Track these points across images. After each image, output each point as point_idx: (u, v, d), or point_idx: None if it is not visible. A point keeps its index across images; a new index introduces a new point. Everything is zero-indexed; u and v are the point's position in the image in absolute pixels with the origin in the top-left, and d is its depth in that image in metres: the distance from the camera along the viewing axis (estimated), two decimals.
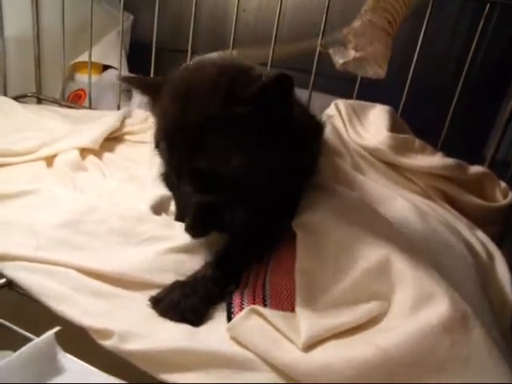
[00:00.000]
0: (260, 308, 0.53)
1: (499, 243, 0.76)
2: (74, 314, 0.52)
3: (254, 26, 1.50)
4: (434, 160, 0.87)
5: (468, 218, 0.81)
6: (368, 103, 1.00)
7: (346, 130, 0.95)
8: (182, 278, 0.60)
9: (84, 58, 1.42)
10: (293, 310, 0.54)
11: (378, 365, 0.44)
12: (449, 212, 0.82)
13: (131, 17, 1.57)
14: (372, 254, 0.55)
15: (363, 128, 0.95)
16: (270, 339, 0.49)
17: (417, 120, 1.02)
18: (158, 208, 0.79)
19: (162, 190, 0.77)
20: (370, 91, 1.02)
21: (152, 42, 1.22)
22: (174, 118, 0.55)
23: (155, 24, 1.21)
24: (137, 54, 1.52)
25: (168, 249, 0.65)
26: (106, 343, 0.49)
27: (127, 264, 0.60)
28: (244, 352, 0.49)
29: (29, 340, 0.48)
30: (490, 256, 0.71)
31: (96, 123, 1.10)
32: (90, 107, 1.34)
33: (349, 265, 0.55)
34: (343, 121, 0.96)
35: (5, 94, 1.29)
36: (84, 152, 0.99)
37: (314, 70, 1.10)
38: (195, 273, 0.61)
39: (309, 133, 0.69)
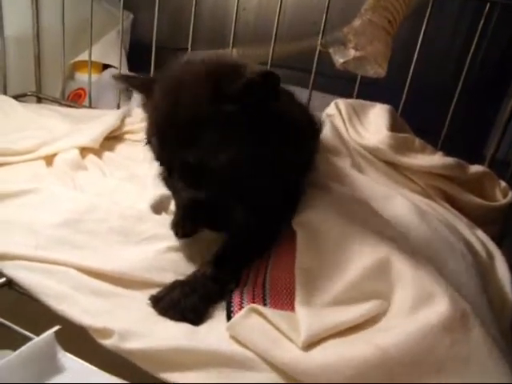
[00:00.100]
0: (260, 307, 0.53)
1: (499, 243, 0.76)
2: (73, 313, 0.52)
3: (254, 24, 1.50)
4: (434, 159, 0.87)
5: (468, 217, 0.81)
6: (368, 102, 1.00)
7: (346, 129, 0.95)
8: (181, 277, 0.60)
9: (84, 57, 1.42)
10: (292, 309, 0.54)
11: (378, 364, 0.44)
12: (449, 211, 0.82)
13: (131, 16, 1.57)
14: (372, 253, 0.55)
15: (363, 127, 0.96)
16: (269, 338, 0.49)
17: (417, 119, 1.02)
18: (158, 207, 0.79)
19: (161, 189, 0.77)
20: (370, 90, 1.02)
21: (152, 40, 1.22)
22: (164, 114, 0.56)
23: (155, 23, 1.21)
24: (137, 53, 1.52)
25: (168, 248, 0.65)
26: (106, 342, 0.49)
27: (127, 263, 0.60)
28: (244, 351, 0.49)
29: (29, 339, 0.48)
30: (490, 255, 0.71)
31: (96, 122, 1.10)
32: (90, 106, 1.35)
33: (349, 264, 0.55)
34: (343, 120, 0.97)
35: (5, 93, 1.29)
36: (84, 151, 0.99)
37: (314, 69, 1.10)
38: (195, 272, 0.61)
39: (305, 130, 0.70)
